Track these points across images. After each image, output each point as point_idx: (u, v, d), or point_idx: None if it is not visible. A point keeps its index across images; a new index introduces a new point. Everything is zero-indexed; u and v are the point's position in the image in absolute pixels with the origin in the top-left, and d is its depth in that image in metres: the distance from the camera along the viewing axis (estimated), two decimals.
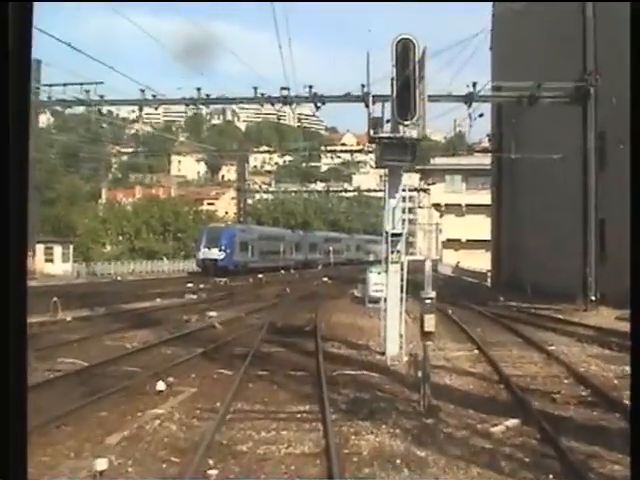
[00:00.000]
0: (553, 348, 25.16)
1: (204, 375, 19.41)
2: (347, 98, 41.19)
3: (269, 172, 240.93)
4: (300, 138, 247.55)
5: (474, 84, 40.81)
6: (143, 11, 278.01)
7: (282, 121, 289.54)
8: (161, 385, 16.78)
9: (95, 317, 34.53)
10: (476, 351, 25.31)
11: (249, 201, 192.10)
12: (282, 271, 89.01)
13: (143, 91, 44.44)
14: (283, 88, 42.48)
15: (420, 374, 15.62)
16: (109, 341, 26.41)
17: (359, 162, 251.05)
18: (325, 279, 69.38)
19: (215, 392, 16.98)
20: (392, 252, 24.17)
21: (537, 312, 38.58)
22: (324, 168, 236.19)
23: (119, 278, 70.90)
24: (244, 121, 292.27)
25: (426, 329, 15.89)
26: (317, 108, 43.41)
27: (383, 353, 24.05)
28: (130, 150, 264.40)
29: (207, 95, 44.54)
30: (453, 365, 22.29)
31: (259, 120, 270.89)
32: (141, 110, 46.94)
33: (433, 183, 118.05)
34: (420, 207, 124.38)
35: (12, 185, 3.52)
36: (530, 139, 50.89)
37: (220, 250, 79.93)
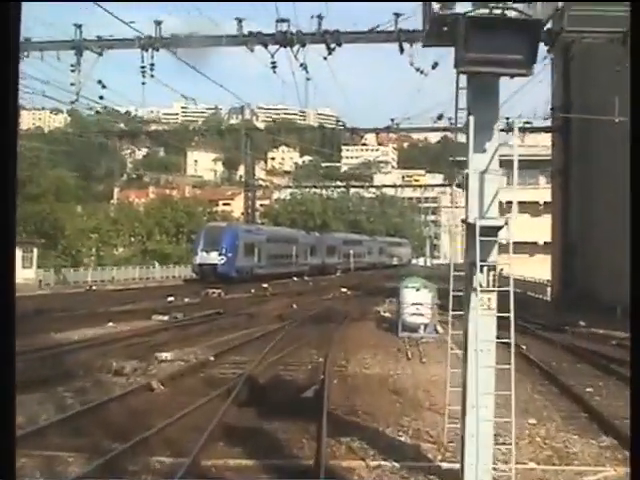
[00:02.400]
0: None
1: None
2: (374, 35, 27.86)
3: (287, 172, 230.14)
4: (319, 139, 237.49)
5: None
6: None
7: (301, 121, 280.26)
8: None
9: None
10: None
11: (266, 202, 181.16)
12: (294, 278, 76.18)
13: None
14: (280, 20, 28.97)
15: None
16: None
17: (380, 162, 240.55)
18: (344, 289, 56.15)
19: None
20: (481, 267, 10.89)
21: None
22: (344, 168, 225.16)
23: (94, 288, 58.08)
24: (263, 121, 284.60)
25: None
26: (329, 51, 29.90)
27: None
28: (146, 149, 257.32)
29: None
30: None
31: (279, 120, 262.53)
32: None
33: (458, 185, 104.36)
34: (456, 206, 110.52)
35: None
36: (611, 111, 37.36)
37: (220, 254, 66.97)
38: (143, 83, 34.84)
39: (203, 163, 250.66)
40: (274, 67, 29.96)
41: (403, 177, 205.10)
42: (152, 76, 33.62)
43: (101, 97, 40.62)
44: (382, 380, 20.17)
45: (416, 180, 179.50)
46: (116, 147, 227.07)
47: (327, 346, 25.78)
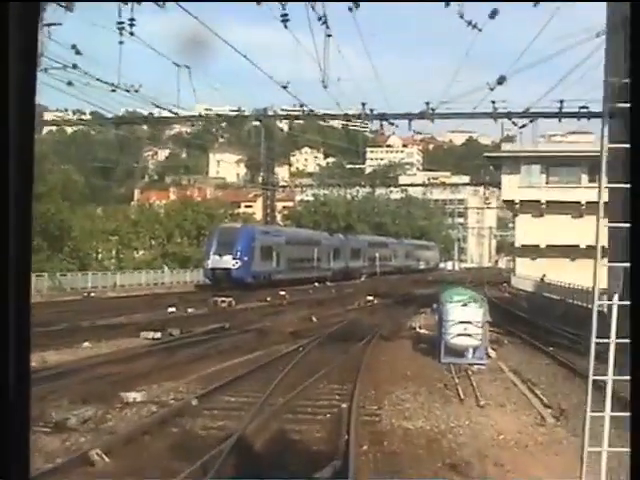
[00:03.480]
0: None
1: None
2: None
3: (311, 174, 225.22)
4: (344, 140, 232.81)
5: None
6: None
7: (325, 123, 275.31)
8: None
9: None
10: None
11: (289, 203, 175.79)
12: (315, 284, 69.99)
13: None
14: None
15: None
16: None
17: (406, 164, 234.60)
18: (370, 297, 49.78)
19: None
20: None
21: None
22: (368, 170, 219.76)
23: (92, 295, 51.99)
24: (287, 123, 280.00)
25: None
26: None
27: None
28: (168, 150, 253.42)
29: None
30: None
31: (301, 122, 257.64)
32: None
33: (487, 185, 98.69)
34: (488, 206, 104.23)
35: (14, 189, 3.23)
36: None
37: (235, 257, 60.75)
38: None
39: (226, 165, 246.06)
40: (285, 20, 24.35)
41: (428, 179, 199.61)
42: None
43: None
44: (432, 442, 13.93)
45: (442, 182, 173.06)
46: (138, 149, 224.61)
47: (352, 379, 19.64)
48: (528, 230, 69.56)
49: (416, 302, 48.40)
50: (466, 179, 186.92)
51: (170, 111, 44.56)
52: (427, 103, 38.22)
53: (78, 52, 36.25)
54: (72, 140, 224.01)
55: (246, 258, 61.34)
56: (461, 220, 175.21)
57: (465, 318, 23.87)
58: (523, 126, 37.14)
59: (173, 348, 25.33)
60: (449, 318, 23.95)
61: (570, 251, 67.63)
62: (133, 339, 27.94)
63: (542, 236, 68.36)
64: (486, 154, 75.56)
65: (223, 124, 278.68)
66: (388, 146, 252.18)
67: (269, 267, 65.60)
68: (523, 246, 70.85)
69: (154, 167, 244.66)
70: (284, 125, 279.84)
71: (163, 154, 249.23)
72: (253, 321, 35.51)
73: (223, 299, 43.56)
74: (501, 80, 32.74)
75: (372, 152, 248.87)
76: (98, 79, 38.31)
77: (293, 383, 18.97)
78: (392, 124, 38.45)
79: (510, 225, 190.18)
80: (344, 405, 16.59)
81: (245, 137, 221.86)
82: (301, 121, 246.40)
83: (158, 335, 28.73)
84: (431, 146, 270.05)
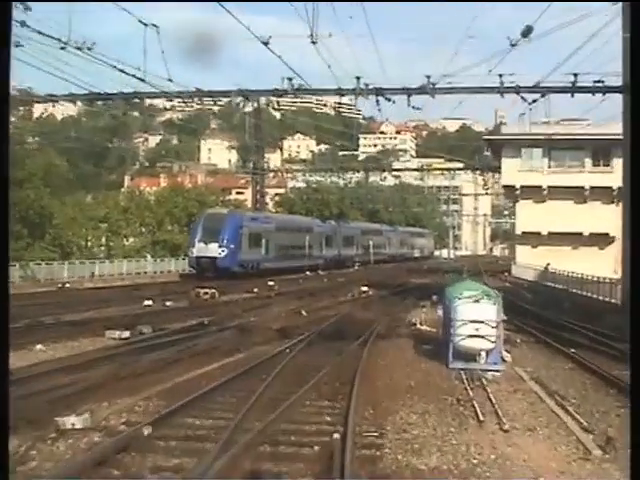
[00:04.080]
0: None
1: None
2: None
3: (304, 161, 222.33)
4: (337, 127, 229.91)
5: None
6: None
7: (318, 109, 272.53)
8: None
9: None
10: None
11: (281, 190, 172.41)
12: (307, 272, 66.54)
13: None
14: None
15: None
16: None
17: (399, 150, 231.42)
18: (364, 288, 46.22)
19: None
20: None
21: None
22: (362, 157, 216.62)
23: (67, 286, 48.34)
24: (279, 109, 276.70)
25: None
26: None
27: None
28: (159, 137, 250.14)
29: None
30: None
31: (294, 108, 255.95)
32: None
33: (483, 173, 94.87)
34: (487, 192, 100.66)
35: None
36: None
37: (221, 245, 57.07)
38: None
39: (217, 151, 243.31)
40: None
41: (422, 165, 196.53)
42: None
43: None
44: None
45: (434, 170, 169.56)
46: (129, 135, 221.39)
47: (346, 392, 16.22)
48: (529, 217, 66.21)
49: (414, 293, 45.03)
50: (460, 166, 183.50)
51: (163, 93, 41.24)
52: (428, 77, 34.65)
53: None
54: (62, 127, 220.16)
55: (233, 246, 57.76)
56: (455, 207, 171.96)
57: (477, 317, 20.44)
58: (534, 101, 33.52)
59: (140, 350, 21.78)
60: (458, 317, 20.51)
61: (573, 239, 64.53)
62: (97, 339, 24.39)
63: (544, 223, 65.12)
64: (485, 137, 72.00)
65: (214, 110, 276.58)
66: (381, 133, 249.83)
67: (258, 255, 62.03)
68: (524, 233, 67.44)
69: (145, 153, 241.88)
70: (276, 113, 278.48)
71: (154, 140, 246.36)
72: (237, 316, 31.99)
73: (206, 290, 39.98)
74: (527, 31, 29.15)
75: (365, 139, 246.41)
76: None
77: (275, 398, 15.50)
78: (389, 99, 34.84)
79: (505, 212, 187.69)
80: (336, 428, 13.14)
81: (237, 123, 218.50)
82: (292, 105, 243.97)
83: (126, 334, 25.19)
84: (424, 133, 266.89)
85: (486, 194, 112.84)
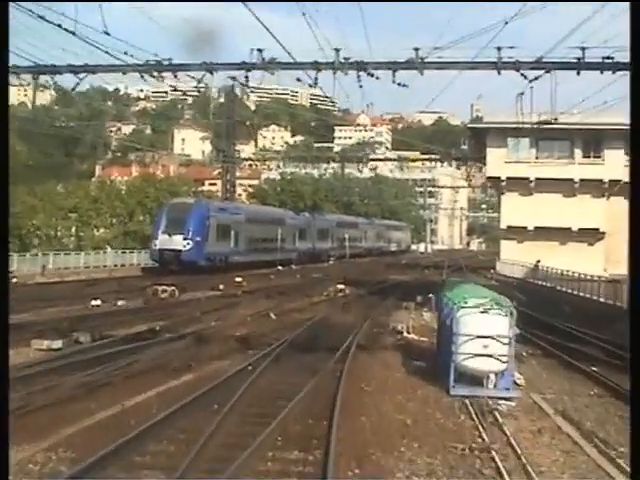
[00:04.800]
0: None
1: None
2: None
3: (278, 152, 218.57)
4: (312, 118, 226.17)
5: None
6: None
7: (294, 101, 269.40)
8: None
9: None
10: None
11: (254, 182, 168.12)
12: (279, 267, 62.18)
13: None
14: None
15: None
16: None
17: (375, 143, 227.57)
18: (340, 286, 41.85)
19: None
20: None
21: None
22: (337, 149, 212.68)
23: (14, 281, 43.61)
24: (254, 100, 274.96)
25: None
26: None
27: None
28: (133, 126, 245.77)
29: None
30: None
31: (269, 100, 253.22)
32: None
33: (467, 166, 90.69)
34: (470, 184, 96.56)
35: None
36: None
37: (186, 237, 52.52)
38: None
39: (191, 141, 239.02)
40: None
41: (399, 156, 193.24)
42: None
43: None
44: None
45: (413, 161, 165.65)
46: (101, 125, 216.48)
47: (321, 434, 12.04)
48: (515, 210, 61.97)
49: (395, 292, 40.82)
50: (436, 159, 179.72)
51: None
52: (416, 49, 30.19)
53: None
54: (33, 115, 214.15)
55: (199, 238, 53.14)
56: (432, 200, 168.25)
57: (485, 331, 16.26)
58: (536, 79, 29.20)
59: (66, 368, 17.37)
60: (462, 330, 16.32)
61: (561, 234, 60.48)
62: (20, 350, 19.93)
63: (530, 217, 60.92)
64: (470, 124, 67.60)
65: (189, 101, 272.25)
66: (357, 125, 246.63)
67: (226, 248, 57.45)
68: (509, 227, 63.18)
69: (117, 143, 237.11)
70: (251, 103, 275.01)
71: (127, 130, 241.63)
72: (195, 320, 27.57)
73: (164, 288, 35.46)
74: None
75: (341, 131, 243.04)
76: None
77: (226, 445, 11.26)
78: (371, 75, 30.36)
79: (483, 206, 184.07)
80: None
81: (211, 113, 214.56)
82: (268, 96, 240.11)
83: (58, 344, 20.79)
84: (400, 126, 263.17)
85: (469, 186, 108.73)
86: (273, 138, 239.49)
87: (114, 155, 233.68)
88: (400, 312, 32.14)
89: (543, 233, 60.40)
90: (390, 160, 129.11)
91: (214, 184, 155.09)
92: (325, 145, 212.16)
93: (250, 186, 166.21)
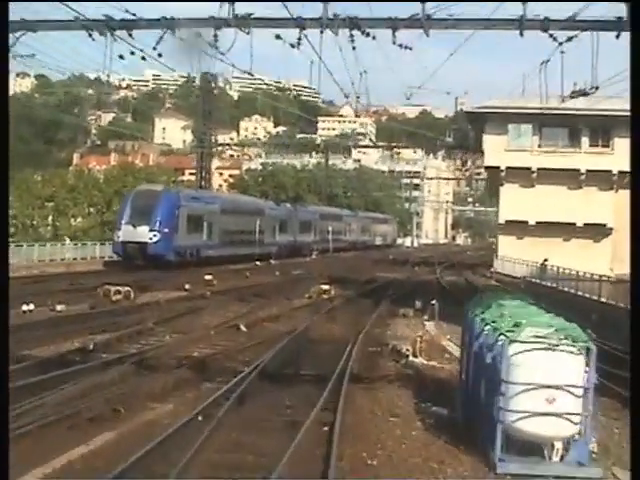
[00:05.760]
0: None
1: None
2: None
3: (259, 139, 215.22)
4: (296, 109, 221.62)
5: None
6: None
7: (278, 93, 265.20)
8: None
9: None
10: None
11: (234, 172, 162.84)
12: (257, 262, 56.50)
13: None
14: None
15: None
16: None
17: (359, 134, 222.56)
18: (324, 286, 36.04)
19: None
20: None
21: None
22: (319, 140, 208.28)
23: None
24: (237, 90, 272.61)
25: None
26: None
27: None
28: (113, 115, 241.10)
29: None
30: None
31: (250, 90, 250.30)
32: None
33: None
34: (464, 174, 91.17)
35: None
36: None
37: (152, 229, 46.60)
38: None
39: (172, 131, 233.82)
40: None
41: (383, 150, 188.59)
42: None
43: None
44: None
45: (397, 153, 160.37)
46: (81, 112, 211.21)
47: None
48: (515, 203, 56.58)
49: (387, 294, 35.05)
50: (420, 152, 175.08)
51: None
52: (422, 1, 24.26)
53: None
54: (12, 103, 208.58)
55: (167, 229, 47.17)
56: (416, 193, 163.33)
57: (552, 379, 10.64)
58: (569, 39, 23.40)
59: None
60: (516, 377, 10.68)
61: (564, 229, 55.22)
62: None
63: (531, 211, 55.67)
64: (467, 109, 61.80)
65: (171, 91, 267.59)
66: (340, 116, 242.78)
67: (198, 241, 51.53)
68: (508, 222, 57.77)
69: (97, 131, 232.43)
70: (234, 93, 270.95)
71: (107, 118, 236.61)
72: (146, 333, 21.81)
73: (118, 289, 29.65)
74: None
75: (324, 122, 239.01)
76: None
77: None
78: (367, 34, 24.47)
79: (469, 200, 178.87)
80: None
81: (193, 102, 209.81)
82: (250, 86, 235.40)
83: None
84: (384, 118, 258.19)
85: (463, 177, 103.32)
86: (255, 128, 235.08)
87: (93, 144, 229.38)
88: (397, 321, 26.61)
89: (545, 228, 55.22)
90: (378, 147, 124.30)
91: (194, 174, 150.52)
92: (308, 136, 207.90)
93: (231, 176, 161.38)
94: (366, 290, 37.71)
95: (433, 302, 27.29)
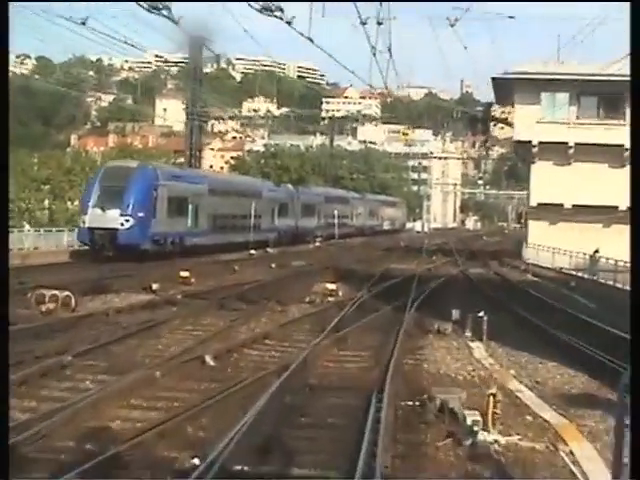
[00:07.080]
0: None
1: None
2: None
3: (262, 117, 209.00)
4: (300, 91, 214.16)
5: None
6: None
7: (281, 74, 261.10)
8: None
9: None
10: None
11: (235, 153, 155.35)
12: (252, 251, 48.88)
13: None
14: None
15: None
16: None
17: (364, 115, 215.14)
18: (330, 286, 28.09)
19: None
20: None
21: None
22: (325, 122, 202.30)
23: None
24: (241, 72, 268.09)
25: None
26: None
27: None
28: (113, 96, 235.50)
29: None
30: None
31: (253, 71, 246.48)
32: None
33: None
34: (487, 151, 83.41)
35: None
36: None
37: (124, 213, 38.82)
38: None
39: (173, 112, 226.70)
40: None
41: (389, 131, 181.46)
42: None
43: None
44: None
45: (405, 134, 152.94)
46: (81, 93, 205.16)
47: None
48: (548, 183, 49.08)
49: (408, 295, 26.69)
50: (429, 133, 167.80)
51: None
52: None
53: None
54: (10, 85, 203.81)
55: (142, 214, 39.25)
56: (424, 176, 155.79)
57: None
58: None
59: None
60: None
61: (605, 213, 47.74)
62: None
63: (568, 192, 48.15)
64: (494, 76, 54.08)
65: (173, 72, 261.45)
66: (345, 97, 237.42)
67: (181, 227, 43.74)
68: (539, 205, 50.22)
69: (97, 113, 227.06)
70: (237, 74, 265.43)
71: (108, 99, 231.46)
72: (56, 374, 13.96)
73: (55, 293, 21.81)
74: None
75: (328, 103, 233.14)
76: None
77: None
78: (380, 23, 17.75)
79: (479, 182, 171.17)
80: None
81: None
82: (253, 71, 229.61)
83: None
84: (389, 100, 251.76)
85: (486, 155, 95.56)
86: (259, 109, 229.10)
87: (93, 125, 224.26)
88: (433, 343, 18.79)
89: (582, 212, 47.77)
90: (386, 123, 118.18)
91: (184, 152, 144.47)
92: (312, 116, 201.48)
93: (233, 158, 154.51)
94: (381, 290, 29.61)
95: (481, 314, 19.48)
